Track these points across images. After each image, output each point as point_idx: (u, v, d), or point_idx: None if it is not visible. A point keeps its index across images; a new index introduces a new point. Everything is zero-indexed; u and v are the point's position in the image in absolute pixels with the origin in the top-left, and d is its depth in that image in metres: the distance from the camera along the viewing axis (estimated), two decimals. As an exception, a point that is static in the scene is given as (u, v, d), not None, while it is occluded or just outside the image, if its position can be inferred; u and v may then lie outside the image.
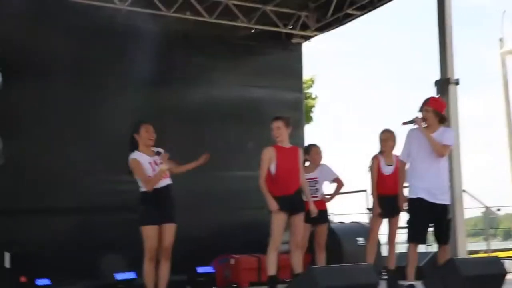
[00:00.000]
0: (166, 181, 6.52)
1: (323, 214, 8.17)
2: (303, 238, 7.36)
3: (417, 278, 6.93)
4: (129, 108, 8.91)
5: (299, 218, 6.97)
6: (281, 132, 7.06)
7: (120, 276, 8.13)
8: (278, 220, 6.84)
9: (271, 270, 6.93)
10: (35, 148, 8.22)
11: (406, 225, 6.87)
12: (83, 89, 8.65)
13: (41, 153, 8.21)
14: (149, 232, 6.33)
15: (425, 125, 6.80)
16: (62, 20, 8.49)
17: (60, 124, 8.45)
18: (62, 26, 8.42)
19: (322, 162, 8.27)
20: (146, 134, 6.59)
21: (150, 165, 6.47)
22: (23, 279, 7.55)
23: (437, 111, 6.80)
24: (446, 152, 6.80)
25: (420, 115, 6.82)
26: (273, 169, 6.94)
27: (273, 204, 6.80)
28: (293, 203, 6.90)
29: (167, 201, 6.49)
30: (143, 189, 6.44)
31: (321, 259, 8.18)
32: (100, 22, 8.74)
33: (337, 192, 8.40)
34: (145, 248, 6.35)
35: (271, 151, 7.00)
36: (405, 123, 6.92)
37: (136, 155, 6.48)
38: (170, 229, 6.43)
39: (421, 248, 7.97)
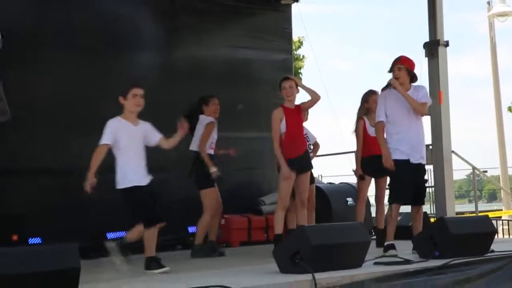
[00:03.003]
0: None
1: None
2: (310, 196, 7.44)
3: (406, 237, 7.02)
4: (116, 70, 8.87)
5: (306, 176, 7.03)
6: (293, 91, 7.05)
7: (111, 235, 8.18)
8: (288, 180, 6.88)
9: (278, 228, 6.98)
10: (22, 109, 8.15)
11: (389, 187, 6.93)
12: (69, 53, 8.55)
13: (29, 115, 8.15)
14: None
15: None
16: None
17: (50, 87, 8.36)
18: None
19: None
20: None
21: None
22: (14, 237, 7.57)
23: (409, 68, 6.79)
24: (425, 110, 6.83)
25: (390, 75, 6.79)
26: (283, 130, 6.94)
27: (285, 170, 6.82)
28: (302, 162, 6.94)
29: None
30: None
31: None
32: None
33: (314, 155, 8.45)
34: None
35: (281, 112, 6.98)
36: (384, 89, 6.90)
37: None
38: None
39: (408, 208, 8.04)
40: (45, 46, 8.33)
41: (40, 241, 7.72)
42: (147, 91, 8.99)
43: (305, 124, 7.90)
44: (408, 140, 6.68)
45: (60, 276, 4.02)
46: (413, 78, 6.84)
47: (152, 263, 5.93)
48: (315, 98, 7.03)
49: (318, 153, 8.66)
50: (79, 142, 8.40)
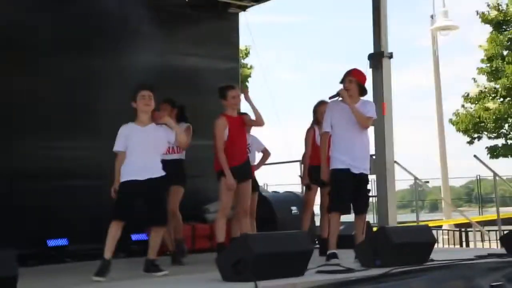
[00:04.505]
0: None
1: (253, 183, 8.23)
2: (251, 205, 7.43)
3: (349, 246, 7.06)
4: (62, 75, 8.77)
5: (247, 185, 7.01)
6: (238, 101, 7.07)
7: (52, 242, 8.04)
8: (229, 189, 6.85)
9: (220, 237, 6.95)
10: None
11: (330, 196, 6.94)
12: (14, 57, 8.43)
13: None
14: None
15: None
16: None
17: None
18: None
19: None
20: None
21: None
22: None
23: (360, 82, 6.89)
24: (370, 124, 6.93)
25: (341, 86, 6.88)
26: (224, 139, 6.91)
27: (230, 180, 6.80)
28: (243, 171, 6.93)
29: None
30: None
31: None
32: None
33: (263, 162, 8.46)
34: None
35: (224, 121, 6.95)
36: (331, 98, 6.99)
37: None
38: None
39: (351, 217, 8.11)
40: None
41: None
42: (91, 97, 8.97)
43: (253, 132, 7.92)
44: (351, 151, 6.74)
45: (-4, 284, 3.93)
46: (363, 92, 6.92)
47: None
48: (259, 122, 7.09)
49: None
50: (19, 146, 8.28)
